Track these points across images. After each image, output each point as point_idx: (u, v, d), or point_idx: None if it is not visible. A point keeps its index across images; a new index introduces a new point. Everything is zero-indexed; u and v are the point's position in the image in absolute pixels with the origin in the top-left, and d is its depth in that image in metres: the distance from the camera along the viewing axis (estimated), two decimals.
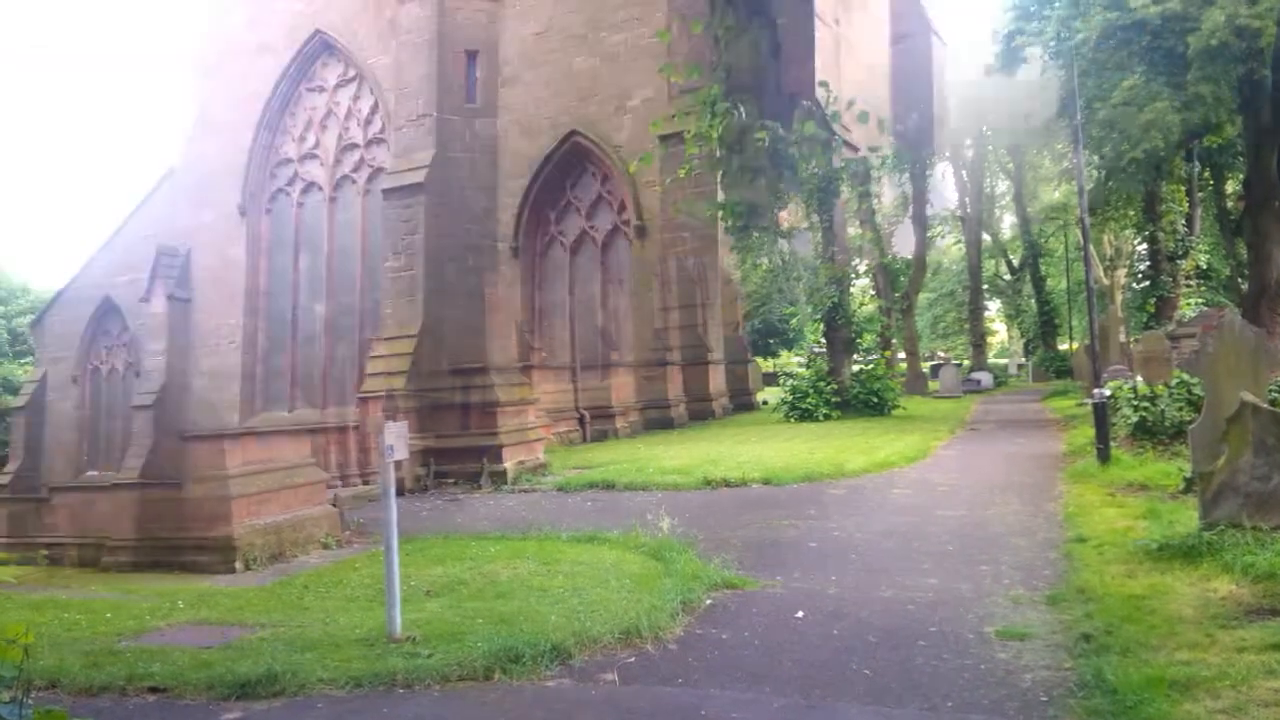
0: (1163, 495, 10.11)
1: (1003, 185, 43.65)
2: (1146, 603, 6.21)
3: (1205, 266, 31.67)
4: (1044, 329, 40.19)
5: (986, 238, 42.91)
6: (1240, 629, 5.55)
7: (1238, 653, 5.14)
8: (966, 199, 39.65)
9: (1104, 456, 11.91)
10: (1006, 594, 6.83)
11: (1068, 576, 7.23)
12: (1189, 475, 9.50)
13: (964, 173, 39.16)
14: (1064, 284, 39.87)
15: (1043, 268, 41.17)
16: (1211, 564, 6.97)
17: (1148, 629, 5.66)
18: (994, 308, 51.40)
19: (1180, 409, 12.50)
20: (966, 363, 39.83)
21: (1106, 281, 34.59)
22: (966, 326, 43.23)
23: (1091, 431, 13.05)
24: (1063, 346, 39.28)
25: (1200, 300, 29.50)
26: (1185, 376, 13.21)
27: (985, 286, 43.18)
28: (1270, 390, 10.73)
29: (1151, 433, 12.67)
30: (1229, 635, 5.45)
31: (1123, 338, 29.07)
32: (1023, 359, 47.05)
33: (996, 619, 6.22)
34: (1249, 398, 8.25)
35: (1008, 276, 47.19)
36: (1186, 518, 8.29)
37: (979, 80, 24.65)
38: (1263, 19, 18.09)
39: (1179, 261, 27.75)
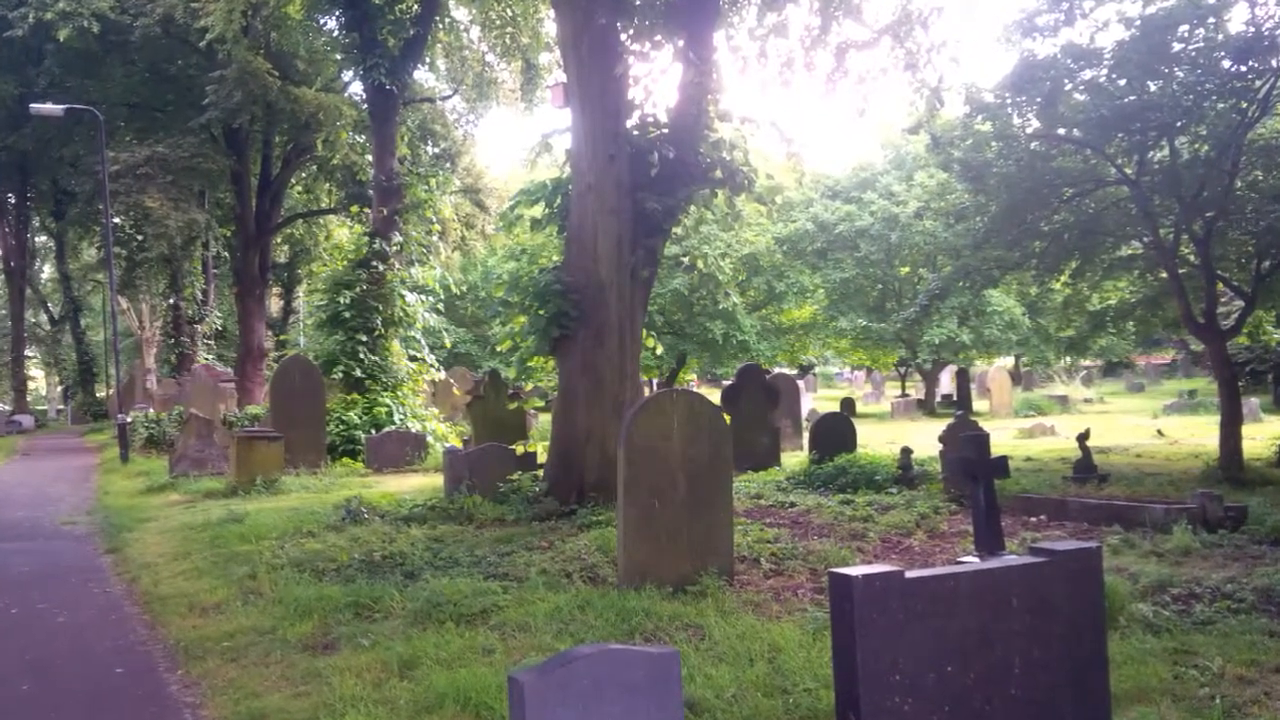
0: (158, 475, 18.52)
1: (42, 238, 48.57)
2: (134, 503, 14.43)
3: (221, 329, 42.12)
4: (84, 376, 46.12)
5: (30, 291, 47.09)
6: (169, 505, 14.14)
7: (165, 508, 13.68)
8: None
9: (125, 458, 19.96)
10: (67, 514, 14.27)
11: (97, 504, 15.00)
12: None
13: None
14: (102, 335, 46.61)
15: (84, 321, 47.34)
16: (171, 490, 15.57)
17: (133, 510, 13.84)
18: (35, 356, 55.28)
19: (175, 427, 21.25)
20: (7, 407, 43.33)
21: (145, 334, 42.92)
22: (7, 373, 46.63)
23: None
24: (101, 394, 45.76)
25: (214, 355, 39.71)
26: (182, 407, 22.12)
27: (26, 335, 47.25)
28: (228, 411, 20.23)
29: (157, 443, 21.16)
30: (164, 506, 13.99)
31: (151, 383, 37.89)
32: (61, 404, 51.97)
33: (62, 520, 13.64)
34: (194, 411, 17.39)
35: (48, 327, 52.04)
36: (165, 477, 16.86)
37: None
38: None
39: (198, 325, 37.41)
